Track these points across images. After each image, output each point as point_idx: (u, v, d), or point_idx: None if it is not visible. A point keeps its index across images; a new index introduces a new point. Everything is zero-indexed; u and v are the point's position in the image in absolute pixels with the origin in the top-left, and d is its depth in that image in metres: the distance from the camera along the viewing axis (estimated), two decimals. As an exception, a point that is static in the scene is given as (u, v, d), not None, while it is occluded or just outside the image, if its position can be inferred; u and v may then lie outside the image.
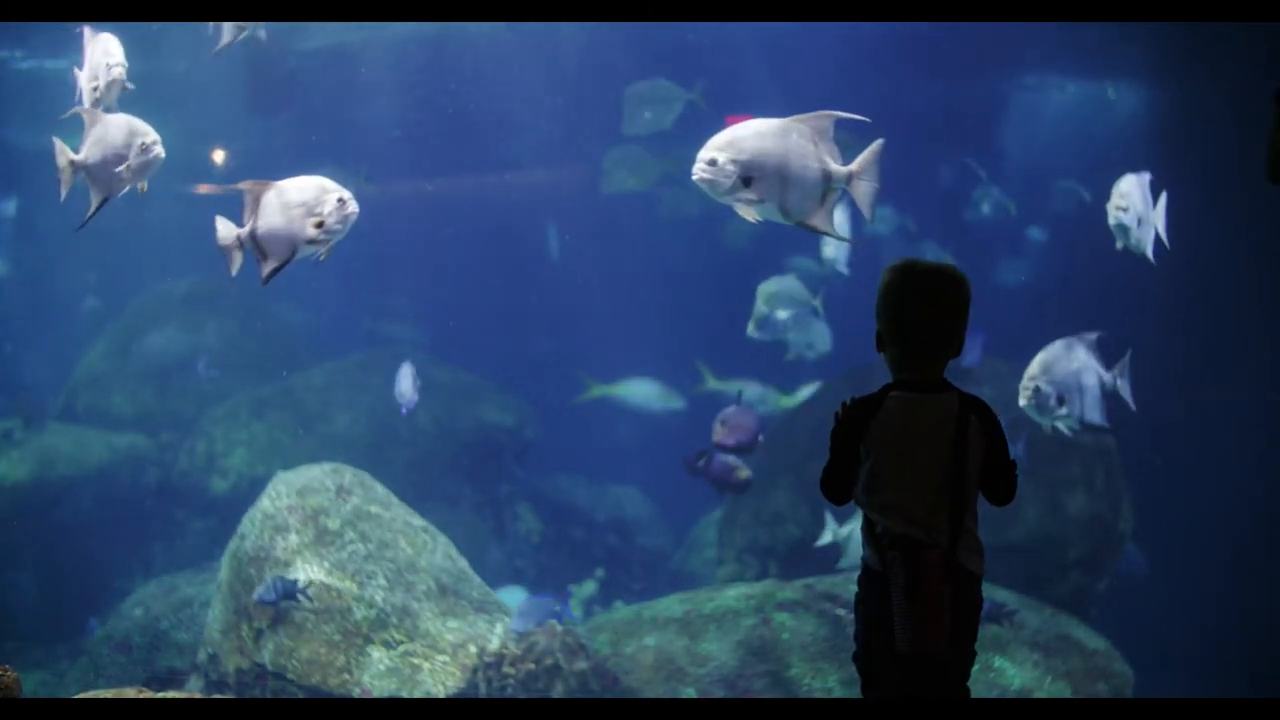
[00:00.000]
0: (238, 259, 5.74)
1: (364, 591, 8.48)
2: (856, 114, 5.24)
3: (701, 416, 9.40)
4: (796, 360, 11.14)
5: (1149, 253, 7.22)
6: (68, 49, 13.85)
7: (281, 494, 9.01)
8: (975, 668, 3.81)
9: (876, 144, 5.28)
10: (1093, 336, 7.18)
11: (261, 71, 13.25)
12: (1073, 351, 7.07)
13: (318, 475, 9.22)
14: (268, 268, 5.66)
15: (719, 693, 8.18)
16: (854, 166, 5.28)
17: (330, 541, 8.73)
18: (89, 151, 6.17)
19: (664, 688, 8.30)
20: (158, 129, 6.12)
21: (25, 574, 12.16)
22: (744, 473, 8.56)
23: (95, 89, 6.29)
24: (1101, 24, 11.05)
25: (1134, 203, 7.12)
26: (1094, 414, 7.12)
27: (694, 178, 5.33)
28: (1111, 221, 7.17)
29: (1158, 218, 7.20)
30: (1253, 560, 11.00)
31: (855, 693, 3.94)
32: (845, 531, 9.13)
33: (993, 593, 8.30)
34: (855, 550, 7.93)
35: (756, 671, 8.25)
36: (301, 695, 8.11)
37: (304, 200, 5.58)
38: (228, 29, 7.03)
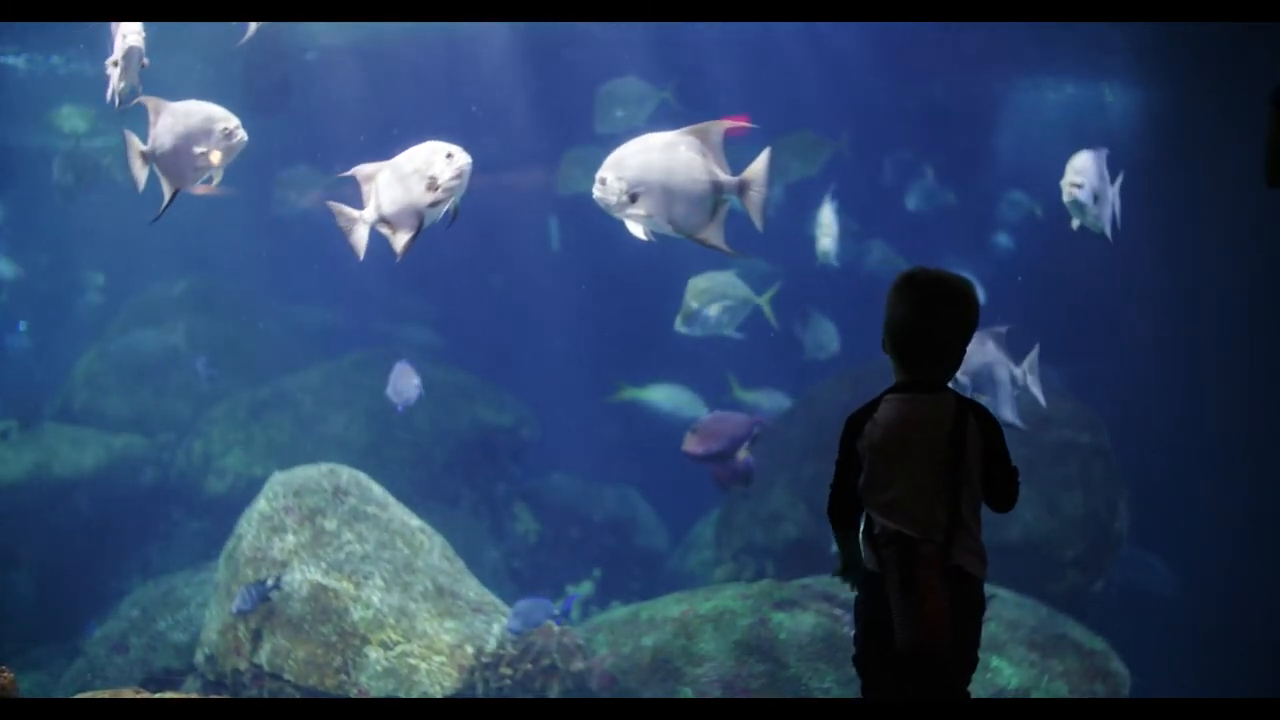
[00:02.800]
0: (363, 243, 5.67)
1: (361, 592, 8.47)
2: (749, 119, 5.18)
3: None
4: (811, 361, 11.05)
5: (1107, 231, 6.95)
6: (61, 46, 13.84)
7: (278, 494, 8.99)
8: (971, 667, 3.80)
9: (765, 153, 5.19)
10: (1002, 330, 6.83)
11: (259, 71, 13.21)
12: (984, 345, 6.70)
13: (314, 476, 9.21)
14: (400, 242, 5.58)
15: (716, 693, 8.17)
16: (744, 176, 5.19)
17: (327, 542, 8.72)
18: (160, 141, 5.92)
19: (661, 688, 8.29)
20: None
21: (22, 574, 12.14)
22: (743, 454, 8.40)
23: (115, 64, 6.06)
24: (1100, 25, 11.04)
25: (1090, 179, 6.82)
26: (1006, 411, 6.77)
27: (593, 197, 5.31)
28: (1066, 199, 6.89)
29: (1114, 197, 6.91)
30: (1253, 559, 11.01)
31: (853, 692, 3.94)
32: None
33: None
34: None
35: (753, 671, 8.23)
36: (298, 696, 8.10)
37: (415, 166, 5.52)
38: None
